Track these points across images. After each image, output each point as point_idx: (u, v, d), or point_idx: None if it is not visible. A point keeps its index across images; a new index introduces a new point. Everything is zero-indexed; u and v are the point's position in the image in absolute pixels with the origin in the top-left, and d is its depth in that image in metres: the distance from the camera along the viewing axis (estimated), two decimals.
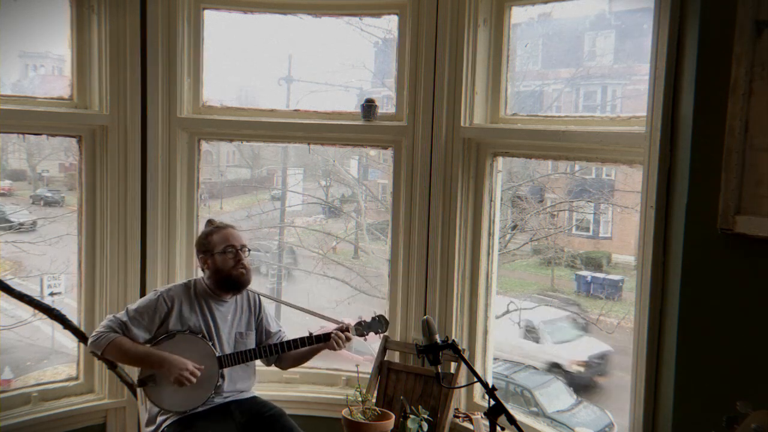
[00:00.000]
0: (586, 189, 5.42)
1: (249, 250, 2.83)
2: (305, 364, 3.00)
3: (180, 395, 2.66)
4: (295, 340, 2.84)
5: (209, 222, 2.91)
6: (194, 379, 2.62)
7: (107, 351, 2.64)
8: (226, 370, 2.74)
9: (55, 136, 3.55)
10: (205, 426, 2.66)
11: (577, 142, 2.77)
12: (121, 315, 2.71)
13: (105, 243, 3.23)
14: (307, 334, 2.83)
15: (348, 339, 2.83)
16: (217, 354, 2.72)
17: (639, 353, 2.37)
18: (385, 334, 3.30)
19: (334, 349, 2.83)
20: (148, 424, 2.75)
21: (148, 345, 2.69)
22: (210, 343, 2.72)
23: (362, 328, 2.93)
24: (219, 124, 3.32)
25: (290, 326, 3.18)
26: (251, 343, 2.86)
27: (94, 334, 2.68)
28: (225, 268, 2.76)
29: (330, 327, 2.94)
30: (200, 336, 2.72)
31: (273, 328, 2.95)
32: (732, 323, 2.07)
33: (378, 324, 2.95)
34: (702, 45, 2.11)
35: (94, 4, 3.11)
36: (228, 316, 2.82)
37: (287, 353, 2.87)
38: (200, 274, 2.90)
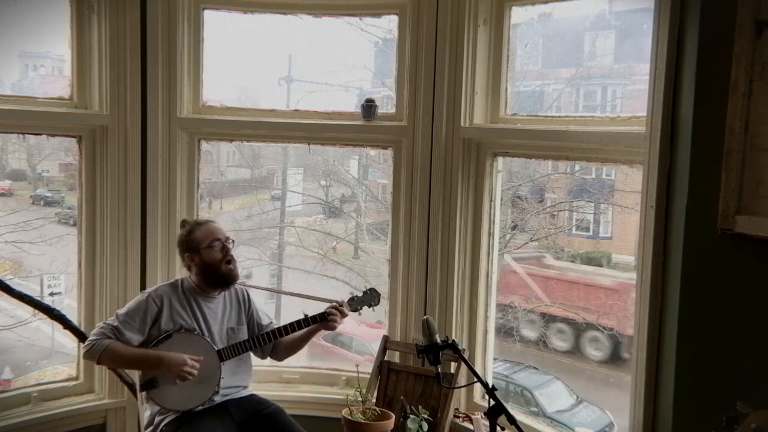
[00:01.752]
0: (586, 189, 5.40)
1: (233, 242, 2.81)
2: (306, 366, 2.96)
3: (184, 393, 2.65)
4: (291, 324, 2.81)
5: (184, 222, 2.88)
6: (195, 372, 2.61)
7: (102, 359, 2.61)
8: (224, 367, 2.72)
9: (55, 136, 3.54)
10: (203, 424, 2.65)
11: (577, 142, 2.77)
12: (112, 320, 2.67)
13: (105, 243, 3.23)
14: (302, 317, 2.80)
15: (344, 315, 2.80)
16: (216, 348, 2.71)
17: (639, 353, 2.38)
18: (386, 334, 3.30)
19: (332, 329, 2.81)
20: (146, 427, 2.74)
21: (144, 347, 2.66)
22: (208, 338, 2.71)
23: (356, 303, 2.90)
24: (219, 124, 3.31)
25: (289, 315, 3.13)
26: (243, 336, 2.84)
27: (87, 342, 2.64)
28: (213, 262, 2.74)
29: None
30: (196, 333, 2.71)
31: (264, 321, 2.92)
32: (732, 323, 2.07)
33: (370, 297, 2.93)
34: (702, 45, 2.11)
35: (94, 4, 3.11)
36: (218, 312, 2.81)
37: (284, 338, 2.84)
38: (185, 273, 2.88)
